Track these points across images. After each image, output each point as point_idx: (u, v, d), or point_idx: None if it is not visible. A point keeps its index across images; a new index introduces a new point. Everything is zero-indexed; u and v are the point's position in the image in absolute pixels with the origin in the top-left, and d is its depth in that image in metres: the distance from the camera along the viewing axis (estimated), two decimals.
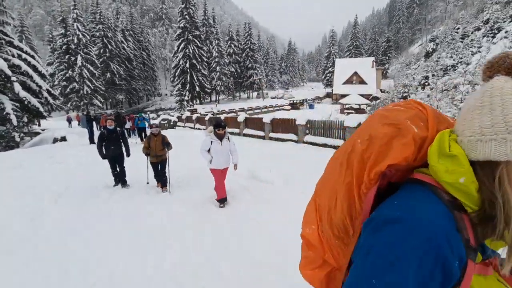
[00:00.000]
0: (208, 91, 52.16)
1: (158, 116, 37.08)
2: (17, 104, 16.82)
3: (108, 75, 50.92)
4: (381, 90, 45.96)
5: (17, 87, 16.40)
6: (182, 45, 45.94)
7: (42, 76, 19.35)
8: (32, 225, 3.85)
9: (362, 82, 46.17)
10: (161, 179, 5.50)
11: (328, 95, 57.27)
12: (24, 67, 17.42)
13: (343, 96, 40.75)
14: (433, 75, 14.68)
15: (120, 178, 5.81)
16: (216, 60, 51.62)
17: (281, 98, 58.56)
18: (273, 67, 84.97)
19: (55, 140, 16.26)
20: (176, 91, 47.55)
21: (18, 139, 16.60)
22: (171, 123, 24.56)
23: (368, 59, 50.43)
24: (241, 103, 50.92)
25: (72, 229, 3.72)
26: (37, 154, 9.30)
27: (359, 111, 29.44)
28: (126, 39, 57.01)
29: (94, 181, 6.05)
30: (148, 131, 7.29)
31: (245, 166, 5.86)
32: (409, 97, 13.42)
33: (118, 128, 5.78)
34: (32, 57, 19.06)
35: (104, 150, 5.52)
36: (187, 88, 46.31)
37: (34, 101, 17.45)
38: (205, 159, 4.45)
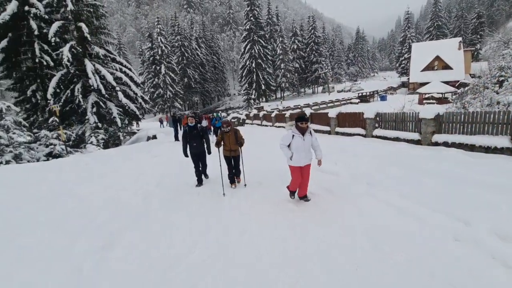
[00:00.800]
0: (273, 88, 53.33)
1: (228, 114, 39.78)
2: (120, 109, 20.60)
3: (186, 80, 56.99)
4: (471, 75, 39.05)
5: (120, 95, 20.09)
6: (248, 46, 48.06)
7: (137, 85, 23.13)
8: (144, 202, 5.02)
9: (446, 67, 40.12)
10: (235, 172, 5.68)
11: (404, 84, 51.71)
12: (125, 78, 21.15)
13: (422, 84, 36.24)
14: None
15: (202, 172, 6.11)
16: (280, 57, 52.26)
17: (348, 91, 55.60)
18: (340, 59, 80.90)
19: (148, 138, 19.39)
20: (244, 90, 50.13)
21: (122, 138, 20.42)
22: (240, 121, 26.25)
23: (453, 40, 43.47)
24: (306, 99, 50.40)
25: (171, 206, 4.73)
26: (138, 150, 11.49)
27: (442, 101, 25.87)
28: (199, 46, 62.67)
29: (182, 170, 7.21)
30: None
31: None
32: (507, 81, 11.30)
33: (198, 125, 5.90)
34: (129, 69, 22.97)
35: (188, 148, 5.76)
36: (254, 87, 48.33)
37: (132, 106, 21.06)
38: (284, 155, 4.26)
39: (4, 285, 2.66)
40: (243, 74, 49.64)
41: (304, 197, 4.46)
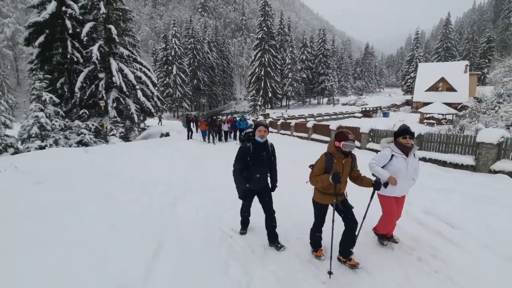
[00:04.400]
0: (279, 96, 55.03)
1: (234, 118, 41.26)
2: (138, 106, 22.18)
3: (195, 81, 58.88)
4: (476, 98, 40.58)
5: (139, 94, 21.66)
6: (258, 54, 49.94)
7: (154, 85, 24.76)
8: (186, 182, 6.48)
9: (450, 89, 41.73)
10: (348, 241, 3.01)
11: (408, 102, 53.28)
12: (144, 78, 22.74)
13: (425, 104, 37.74)
14: None
15: (269, 231, 3.43)
16: (289, 67, 54.11)
17: (352, 104, 57.11)
18: (347, 72, 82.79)
19: (162, 135, 20.88)
20: (251, 96, 51.85)
21: (137, 133, 21.95)
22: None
23: (460, 63, 45.23)
24: (311, 109, 51.95)
25: (204, 187, 6.17)
26: (158, 144, 12.96)
27: (440, 122, 27.31)
28: (211, 50, 64.75)
29: (202, 162, 8.65)
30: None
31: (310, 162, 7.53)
32: (499, 108, 12.46)
33: (270, 143, 3.39)
34: (148, 70, 24.61)
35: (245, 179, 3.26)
36: (261, 93, 50.05)
37: (148, 104, 22.62)
38: (379, 177, 3.10)
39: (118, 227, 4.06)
40: (252, 80, 51.43)
41: (391, 238, 3.46)
